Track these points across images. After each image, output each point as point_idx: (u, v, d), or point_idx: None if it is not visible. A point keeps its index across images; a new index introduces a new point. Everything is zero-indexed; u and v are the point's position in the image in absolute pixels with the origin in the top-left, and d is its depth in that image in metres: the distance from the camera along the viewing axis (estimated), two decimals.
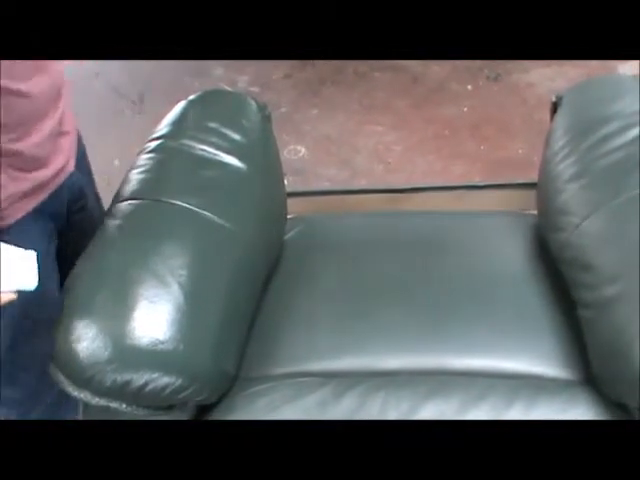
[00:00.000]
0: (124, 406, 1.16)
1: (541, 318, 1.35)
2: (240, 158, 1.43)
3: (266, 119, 1.59)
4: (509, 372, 1.26)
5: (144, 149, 1.44)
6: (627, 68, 3.05)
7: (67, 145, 1.33)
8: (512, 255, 1.51)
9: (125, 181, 1.38)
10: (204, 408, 1.25)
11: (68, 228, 1.37)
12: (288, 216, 1.64)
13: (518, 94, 3.12)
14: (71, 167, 1.35)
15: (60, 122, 1.28)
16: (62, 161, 1.31)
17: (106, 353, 1.11)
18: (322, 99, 3.19)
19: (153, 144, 1.44)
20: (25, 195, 1.23)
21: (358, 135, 2.96)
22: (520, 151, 2.79)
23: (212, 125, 1.47)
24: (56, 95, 1.26)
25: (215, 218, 1.31)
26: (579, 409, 1.18)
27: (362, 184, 2.67)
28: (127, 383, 1.13)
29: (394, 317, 1.36)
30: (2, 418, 1.37)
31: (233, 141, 1.46)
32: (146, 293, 1.16)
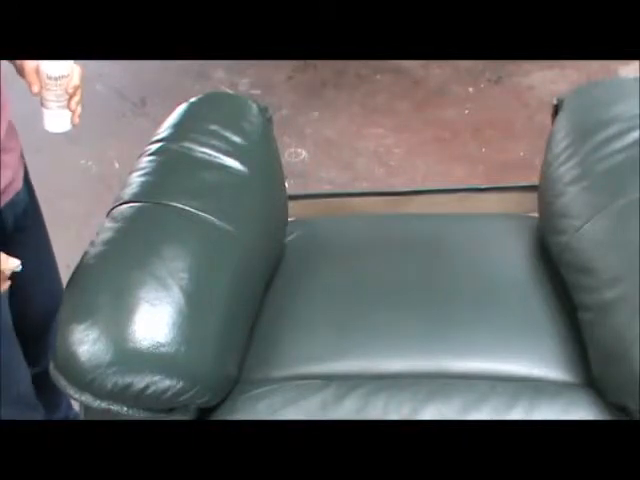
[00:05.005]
0: (125, 409, 1.16)
1: (542, 321, 1.35)
2: (241, 161, 1.43)
3: (267, 122, 1.59)
4: (510, 375, 1.26)
5: (145, 152, 1.45)
6: (628, 70, 3.05)
7: (12, 162, 1.31)
8: (513, 258, 1.51)
9: (126, 184, 1.38)
10: (205, 410, 1.25)
11: (6, 246, 1.29)
12: (289, 219, 1.64)
13: (519, 97, 3.12)
14: (18, 185, 1.33)
15: (3, 138, 1.25)
16: (8, 177, 1.29)
17: (107, 356, 1.11)
18: (323, 102, 3.19)
19: (154, 147, 1.44)
20: None
21: (359, 138, 2.96)
22: (521, 154, 2.79)
23: (213, 128, 1.47)
24: None
25: (216, 221, 1.31)
26: (580, 412, 1.18)
27: (363, 187, 2.67)
28: (128, 386, 1.13)
29: (395, 320, 1.36)
30: None
31: (234, 144, 1.46)
32: (147, 296, 1.16)
